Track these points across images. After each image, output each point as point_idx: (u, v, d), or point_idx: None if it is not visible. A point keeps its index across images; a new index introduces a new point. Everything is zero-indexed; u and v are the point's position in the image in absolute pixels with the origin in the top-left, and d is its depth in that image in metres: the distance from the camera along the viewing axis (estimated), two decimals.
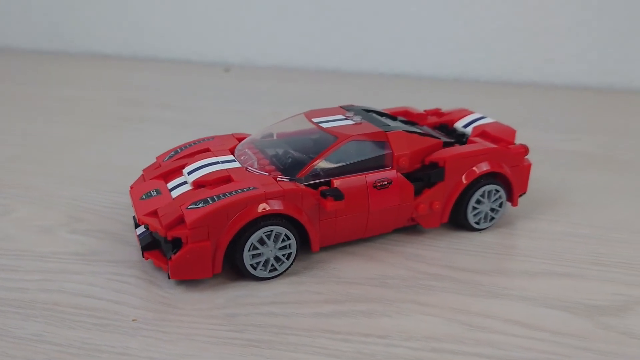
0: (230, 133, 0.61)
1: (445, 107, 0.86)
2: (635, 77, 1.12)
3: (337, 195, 0.49)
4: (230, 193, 0.47)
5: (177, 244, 0.46)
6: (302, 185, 0.49)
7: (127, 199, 0.63)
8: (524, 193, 0.61)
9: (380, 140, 0.53)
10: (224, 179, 0.50)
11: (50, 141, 0.82)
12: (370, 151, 0.52)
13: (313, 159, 0.51)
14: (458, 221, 0.57)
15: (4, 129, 0.87)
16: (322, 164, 0.51)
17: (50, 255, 0.53)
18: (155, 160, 0.59)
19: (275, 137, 0.58)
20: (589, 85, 1.14)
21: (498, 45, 1.17)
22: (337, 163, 0.51)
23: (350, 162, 0.52)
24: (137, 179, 0.56)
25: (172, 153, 0.58)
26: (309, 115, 0.58)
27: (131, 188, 0.54)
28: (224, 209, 0.46)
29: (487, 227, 0.58)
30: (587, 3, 1.10)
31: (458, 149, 0.56)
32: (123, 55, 1.39)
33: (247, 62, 1.33)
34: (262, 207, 0.47)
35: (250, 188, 0.48)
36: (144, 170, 0.57)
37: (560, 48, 1.14)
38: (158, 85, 1.14)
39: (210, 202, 0.47)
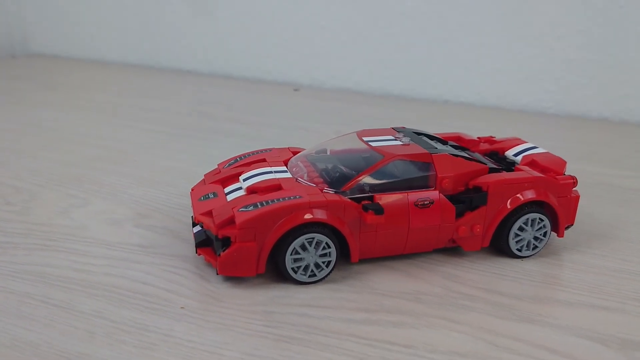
0: (287, 147, 0.65)
1: (505, 136, 0.86)
2: None
3: (378, 209, 0.51)
4: (278, 200, 0.51)
5: (226, 242, 0.51)
6: (345, 198, 0.52)
7: (190, 202, 0.69)
8: (571, 225, 0.60)
9: (425, 161, 0.55)
10: (275, 187, 0.54)
11: (129, 145, 0.90)
12: (414, 171, 0.55)
13: (358, 175, 0.54)
14: (500, 247, 0.58)
15: (91, 133, 0.96)
16: (367, 179, 0.54)
17: (116, 244, 0.59)
18: (216, 166, 0.64)
19: (327, 153, 0.62)
20: None
21: (569, 77, 1.15)
22: (381, 180, 0.54)
23: (394, 180, 0.54)
24: (198, 182, 0.61)
25: (232, 161, 0.63)
26: (361, 134, 0.62)
27: (192, 190, 0.59)
28: (271, 213, 0.50)
29: (530, 255, 0.58)
30: None
31: (503, 175, 0.57)
32: (202, 71, 1.48)
33: (315, 83, 1.38)
34: (307, 215, 0.50)
35: (297, 197, 0.51)
36: (205, 175, 0.62)
37: (636, 84, 1.10)
38: (231, 101, 1.21)
39: (260, 206, 0.50)
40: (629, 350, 0.45)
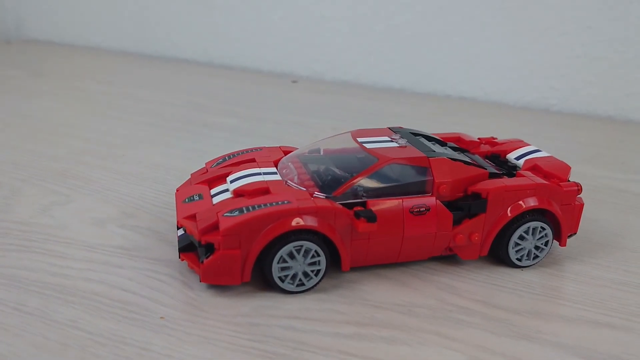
0: (279, 145, 0.62)
1: (508, 134, 0.83)
2: None
3: (370, 217, 0.48)
4: (265, 205, 0.48)
5: (210, 248, 0.48)
6: (336, 204, 0.49)
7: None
8: (574, 234, 0.58)
9: (422, 165, 0.52)
10: (262, 190, 0.51)
11: (118, 139, 0.87)
12: (410, 176, 0.52)
13: (351, 179, 0.51)
14: (499, 256, 0.55)
15: (80, 124, 0.93)
16: (360, 184, 0.51)
17: (98, 246, 0.56)
18: (204, 165, 0.61)
19: (319, 153, 0.59)
20: None
21: (574, 74, 1.12)
22: (375, 184, 0.51)
23: (389, 184, 0.51)
24: (184, 182, 0.59)
25: (221, 160, 0.60)
26: (355, 134, 0.59)
27: (177, 190, 0.56)
28: (257, 220, 0.47)
29: (531, 265, 0.55)
30: None
31: (504, 181, 0.54)
32: (198, 60, 1.45)
33: (315, 75, 1.35)
34: (295, 221, 0.48)
35: (285, 202, 0.48)
36: (192, 174, 0.59)
37: None
38: (226, 92, 1.18)
39: (245, 211, 0.48)
40: None
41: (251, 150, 0.61)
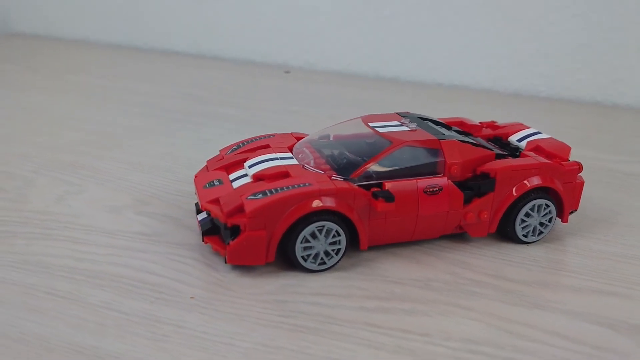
0: (290, 132, 0.64)
1: (501, 120, 0.86)
2: None
3: (388, 197, 0.51)
4: (287, 187, 0.50)
5: (235, 231, 0.50)
6: (354, 185, 0.52)
7: (189, 188, 0.67)
8: (575, 210, 0.61)
9: (434, 147, 0.55)
10: (282, 174, 0.53)
11: (120, 130, 0.88)
12: (423, 157, 0.54)
13: (367, 162, 0.53)
14: (506, 233, 0.58)
15: (79, 117, 0.94)
16: (376, 166, 0.53)
17: (118, 232, 0.57)
18: (219, 152, 0.63)
19: (332, 139, 0.61)
20: None
21: (561, 61, 1.15)
22: (390, 167, 0.53)
23: (403, 166, 0.54)
24: (201, 169, 0.60)
25: (235, 147, 0.62)
26: (366, 119, 0.61)
27: (195, 177, 0.58)
28: (281, 201, 0.49)
29: (535, 241, 0.58)
30: None
31: (510, 161, 0.57)
32: (189, 52, 1.45)
33: (306, 65, 1.37)
34: (316, 203, 0.50)
35: (306, 184, 0.50)
36: (207, 161, 0.61)
37: (628, 68, 1.11)
38: (221, 83, 1.19)
39: (269, 194, 0.50)
40: (639, 335, 0.45)
41: (264, 137, 0.63)
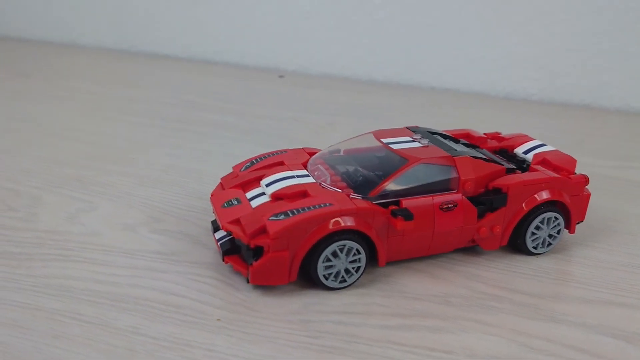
0: (301, 147, 0.65)
1: (493, 123, 0.88)
2: None
3: (407, 215, 0.52)
4: (309, 208, 0.51)
5: (258, 251, 0.50)
6: (373, 204, 0.53)
7: (200, 203, 0.68)
8: (581, 221, 0.63)
9: (448, 164, 0.56)
10: (301, 193, 0.54)
11: (121, 141, 0.87)
12: (438, 174, 0.55)
13: (384, 180, 0.54)
14: (516, 245, 0.60)
15: (77, 127, 0.93)
16: (392, 184, 0.54)
17: (136, 252, 0.57)
18: (232, 169, 0.63)
19: (344, 154, 0.62)
20: (637, 110, 1.14)
21: (552, 65, 1.18)
22: (406, 184, 0.54)
23: (419, 184, 0.55)
24: (216, 187, 0.60)
25: (248, 164, 0.62)
26: (378, 135, 0.62)
27: (212, 195, 0.58)
28: (303, 222, 0.50)
29: (544, 252, 0.60)
30: None
31: (521, 176, 0.58)
32: (180, 56, 1.44)
33: (300, 69, 1.37)
34: (339, 222, 0.50)
35: (327, 204, 0.51)
36: (222, 179, 0.61)
37: (615, 71, 1.14)
38: (216, 88, 1.18)
39: (291, 215, 0.50)
40: None
41: (277, 152, 0.63)
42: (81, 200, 0.68)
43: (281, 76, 1.33)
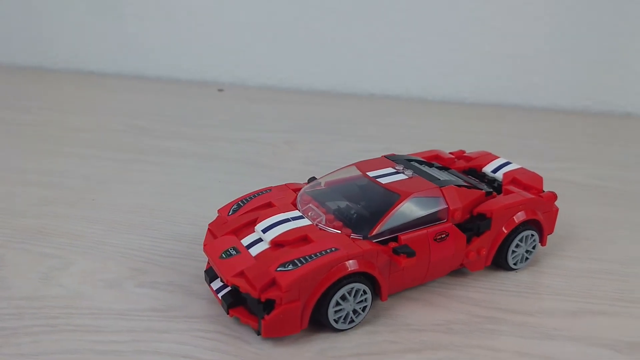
0: (285, 183, 0.65)
1: (434, 127, 0.93)
2: (609, 101, 1.23)
3: (409, 252, 0.53)
4: (316, 255, 0.51)
5: (269, 304, 0.50)
6: (376, 244, 0.54)
7: (179, 246, 0.66)
8: (551, 233, 0.68)
9: (437, 195, 0.58)
10: (302, 238, 0.54)
11: (76, 179, 0.82)
12: (429, 206, 0.57)
13: (381, 218, 0.55)
14: (498, 262, 0.63)
15: (21, 166, 0.86)
16: (389, 221, 0.56)
17: (129, 312, 0.55)
18: (217, 213, 0.61)
19: (330, 187, 0.62)
20: (565, 108, 1.24)
21: (484, 69, 1.24)
22: (402, 220, 0.56)
23: (413, 218, 0.56)
24: (207, 235, 0.59)
25: (235, 207, 0.61)
26: (362, 167, 0.63)
27: (205, 245, 0.57)
28: (313, 271, 0.50)
29: (522, 267, 0.65)
30: (568, 31, 1.20)
31: (501, 200, 0.62)
32: (106, 72, 1.37)
33: (238, 81, 1.35)
34: (347, 267, 0.51)
35: (332, 249, 0.52)
36: (210, 226, 0.60)
37: (542, 72, 1.23)
38: (160, 108, 1.14)
39: (299, 264, 0.50)
40: (637, 353, 0.52)
41: (261, 192, 0.63)
42: (50, 256, 0.63)
43: (220, 90, 1.30)
